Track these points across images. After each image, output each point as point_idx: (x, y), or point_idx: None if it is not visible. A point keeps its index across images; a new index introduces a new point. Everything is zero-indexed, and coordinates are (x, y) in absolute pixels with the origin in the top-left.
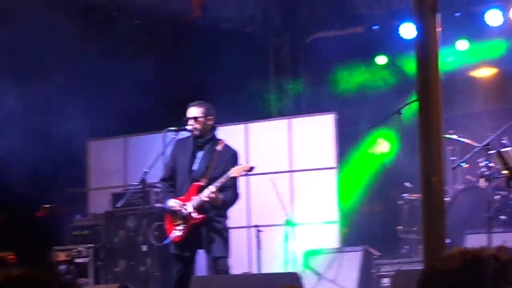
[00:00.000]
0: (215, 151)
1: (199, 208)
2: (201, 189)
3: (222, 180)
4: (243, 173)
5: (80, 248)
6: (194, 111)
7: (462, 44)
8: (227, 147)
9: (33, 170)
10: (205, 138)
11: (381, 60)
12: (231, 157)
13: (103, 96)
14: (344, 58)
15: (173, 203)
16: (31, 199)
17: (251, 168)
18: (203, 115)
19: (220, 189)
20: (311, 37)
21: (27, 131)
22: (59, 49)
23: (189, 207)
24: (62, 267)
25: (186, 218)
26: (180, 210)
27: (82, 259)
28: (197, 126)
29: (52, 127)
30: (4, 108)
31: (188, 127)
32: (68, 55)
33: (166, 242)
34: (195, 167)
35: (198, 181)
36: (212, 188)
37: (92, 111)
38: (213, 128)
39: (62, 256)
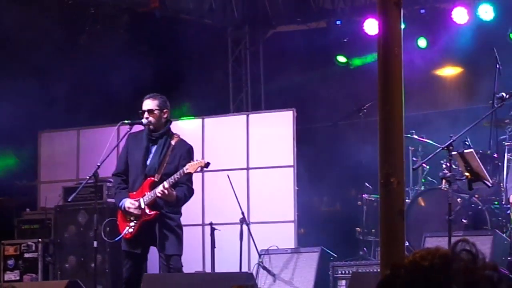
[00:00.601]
0: (169, 146)
1: (152, 204)
2: (154, 185)
3: (176, 176)
4: (199, 169)
5: (29, 243)
6: (149, 104)
7: (424, 42)
8: (181, 142)
9: None
10: (159, 132)
11: (342, 58)
12: (186, 152)
13: (56, 86)
14: (305, 53)
15: (129, 204)
16: None
17: (207, 164)
18: (158, 108)
19: (174, 185)
20: (272, 31)
21: None
22: (11, 37)
23: (141, 203)
24: (10, 261)
25: (139, 214)
26: (136, 211)
27: (31, 254)
28: (152, 119)
29: (2, 117)
30: None
31: (143, 120)
32: (20, 43)
33: (117, 238)
34: (148, 162)
35: (151, 176)
36: (165, 184)
37: (44, 102)
38: (168, 122)
39: (10, 250)
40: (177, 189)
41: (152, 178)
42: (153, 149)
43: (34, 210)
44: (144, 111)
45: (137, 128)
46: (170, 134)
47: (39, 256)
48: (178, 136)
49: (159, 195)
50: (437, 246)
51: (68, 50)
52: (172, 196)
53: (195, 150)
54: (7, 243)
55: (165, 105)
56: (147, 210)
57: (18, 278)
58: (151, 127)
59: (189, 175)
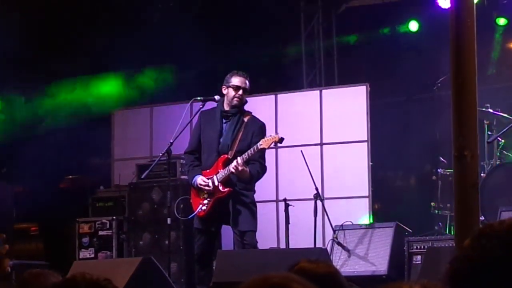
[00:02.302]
0: (242, 123)
1: (225, 181)
2: (227, 162)
3: (250, 152)
4: (272, 144)
5: (103, 220)
6: (245, 82)
7: (503, 20)
8: (254, 119)
9: (57, 140)
10: (235, 110)
11: (413, 26)
12: (258, 128)
13: (129, 64)
14: (377, 28)
15: (201, 181)
16: (54, 170)
17: (281, 139)
18: (248, 89)
19: (247, 162)
20: (345, 5)
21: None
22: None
23: (215, 181)
24: (85, 239)
25: (213, 191)
26: (208, 188)
27: (105, 231)
28: (243, 98)
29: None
30: None
31: (234, 98)
32: (88, 22)
33: (191, 216)
34: (221, 139)
35: (224, 153)
36: (239, 159)
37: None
38: (245, 101)
39: (85, 228)
40: (250, 166)
41: (226, 155)
42: (226, 126)
43: (108, 187)
44: (239, 87)
45: (209, 105)
46: (242, 112)
47: (113, 233)
48: (250, 113)
49: (232, 170)
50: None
51: (141, 27)
52: (245, 172)
53: (268, 126)
54: (82, 220)
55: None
56: (220, 187)
57: (92, 255)
58: (237, 103)
59: (262, 152)
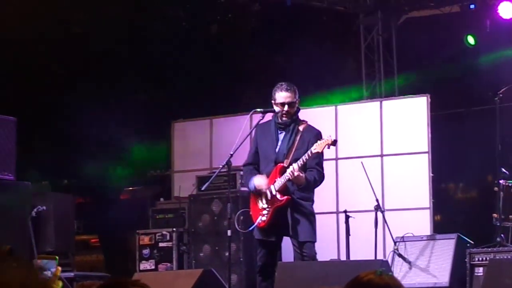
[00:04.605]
0: (297, 132)
1: (283, 189)
2: (284, 170)
3: (305, 157)
4: (327, 147)
5: (163, 232)
6: (290, 96)
7: None
8: (309, 127)
9: (117, 152)
10: (290, 120)
11: (471, 40)
12: (314, 137)
13: (188, 76)
14: (438, 38)
15: (258, 182)
16: (114, 182)
17: (334, 142)
18: (296, 100)
19: (303, 169)
20: (405, 16)
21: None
22: (139, 29)
23: (272, 190)
24: (146, 251)
25: (271, 201)
26: (265, 191)
27: (165, 243)
28: (291, 111)
29: (137, 107)
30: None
31: (282, 114)
32: (150, 35)
33: (251, 228)
34: (277, 149)
35: (281, 162)
36: (294, 165)
37: (177, 92)
38: (297, 110)
39: (145, 240)
40: (307, 173)
41: (282, 164)
42: (281, 136)
43: (168, 199)
44: (284, 104)
45: (267, 118)
46: (298, 121)
47: (173, 245)
48: (306, 122)
49: (288, 176)
50: None
51: (199, 39)
52: (301, 178)
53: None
54: (142, 232)
55: (298, 95)
56: (278, 196)
57: (153, 267)
58: (286, 119)
59: (319, 159)
